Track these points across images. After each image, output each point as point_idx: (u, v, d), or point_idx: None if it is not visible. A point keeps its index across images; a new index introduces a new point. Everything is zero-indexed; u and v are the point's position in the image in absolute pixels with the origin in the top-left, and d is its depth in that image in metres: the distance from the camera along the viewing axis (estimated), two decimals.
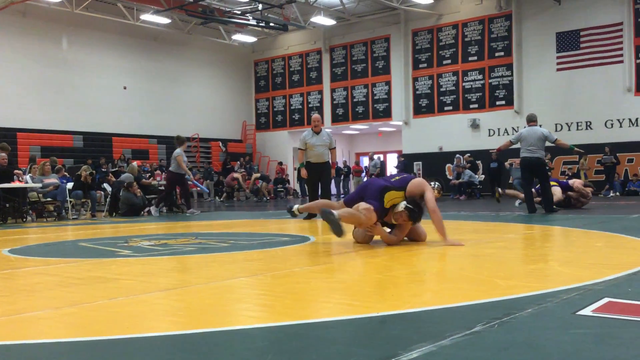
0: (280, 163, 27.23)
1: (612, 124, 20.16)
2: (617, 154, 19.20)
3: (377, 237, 5.79)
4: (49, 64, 22.57)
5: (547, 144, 10.49)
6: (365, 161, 29.33)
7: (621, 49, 19.95)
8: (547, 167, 10.66)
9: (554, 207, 10.42)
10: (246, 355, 2.19)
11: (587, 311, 2.71)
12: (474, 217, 10.02)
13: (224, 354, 2.21)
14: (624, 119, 19.97)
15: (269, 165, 28.45)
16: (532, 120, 10.62)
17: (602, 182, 19.40)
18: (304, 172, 10.16)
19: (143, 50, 25.53)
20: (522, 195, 11.53)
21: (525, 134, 10.41)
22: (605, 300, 2.93)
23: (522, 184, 10.64)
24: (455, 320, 2.64)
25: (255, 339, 2.45)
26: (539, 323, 2.55)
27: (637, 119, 19.79)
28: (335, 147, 10.40)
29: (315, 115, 10.39)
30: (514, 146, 10.92)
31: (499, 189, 12.12)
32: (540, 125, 10.88)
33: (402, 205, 5.52)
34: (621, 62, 19.94)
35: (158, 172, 17.62)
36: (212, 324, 2.70)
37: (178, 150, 12.97)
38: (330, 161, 10.36)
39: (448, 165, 22.97)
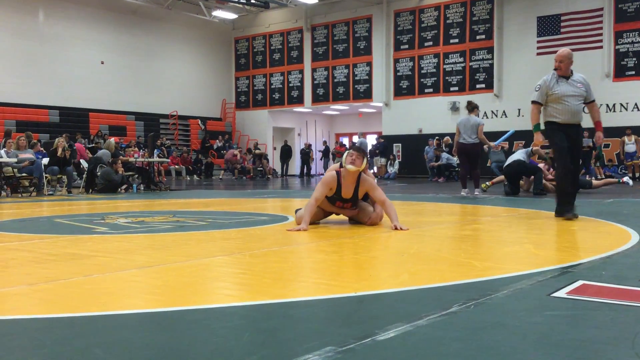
0: (286, 143, 27.36)
1: None
2: (594, 140, 19.40)
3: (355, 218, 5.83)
4: (25, 37, 22.12)
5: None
6: (346, 141, 29.37)
7: (601, 34, 20.09)
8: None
9: (542, 190, 10.90)
10: (223, 334, 2.19)
11: (561, 293, 2.74)
12: (452, 199, 10.10)
13: (200, 332, 2.21)
14: (601, 105, 20.06)
15: (248, 144, 28.35)
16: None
17: None
18: (539, 139, 6.42)
19: (121, 24, 25.13)
20: (503, 178, 11.65)
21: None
22: (580, 282, 2.97)
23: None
24: (432, 300, 2.66)
25: (233, 317, 2.44)
26: (514, 304, 2.58)
27: (614, 105, 20.02)
28: (594, 100, 6.49)
29: (563, 50, 6.48)
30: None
31: (486, 183, 12.22)
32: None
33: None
34: (600, 47, 20.09)
35: (135, 149, 17.41)
36: (189, 301, 2.69)
37: (478, 119, 11.05)
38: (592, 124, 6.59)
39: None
